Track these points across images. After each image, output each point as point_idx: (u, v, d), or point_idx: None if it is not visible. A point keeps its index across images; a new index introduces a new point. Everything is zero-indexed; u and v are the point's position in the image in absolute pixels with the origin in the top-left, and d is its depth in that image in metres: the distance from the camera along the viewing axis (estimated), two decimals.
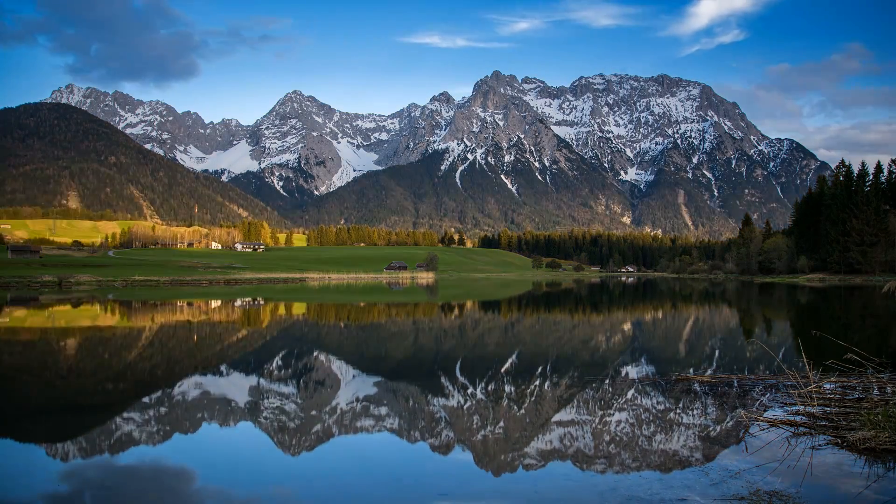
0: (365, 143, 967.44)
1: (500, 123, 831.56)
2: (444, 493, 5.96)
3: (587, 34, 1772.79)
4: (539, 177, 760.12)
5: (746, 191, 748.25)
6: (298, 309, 35.42)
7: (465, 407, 9.49)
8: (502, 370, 12.85)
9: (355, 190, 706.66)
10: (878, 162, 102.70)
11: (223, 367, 13.40)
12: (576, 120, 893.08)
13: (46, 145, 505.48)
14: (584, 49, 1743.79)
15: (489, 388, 10.88)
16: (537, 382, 11.38)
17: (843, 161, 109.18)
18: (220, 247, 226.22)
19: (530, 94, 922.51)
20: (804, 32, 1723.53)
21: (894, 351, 14.42)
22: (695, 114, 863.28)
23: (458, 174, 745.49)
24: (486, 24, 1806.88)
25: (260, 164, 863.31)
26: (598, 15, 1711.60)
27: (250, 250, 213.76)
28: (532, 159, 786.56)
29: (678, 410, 9.07)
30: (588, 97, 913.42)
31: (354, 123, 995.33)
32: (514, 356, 15.33)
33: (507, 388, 10.77)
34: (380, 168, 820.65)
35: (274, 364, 13.91)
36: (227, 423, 8.57)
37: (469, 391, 10.60)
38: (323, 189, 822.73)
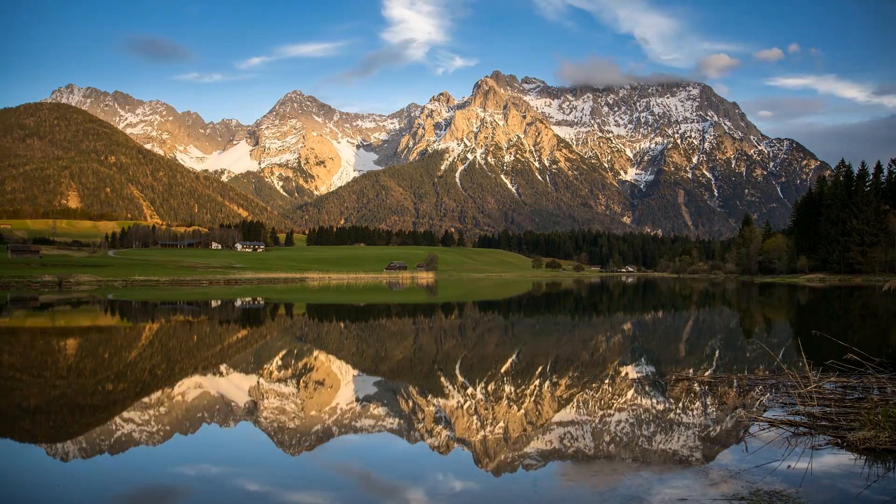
0: (365, 143, 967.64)
1: (500, 123, 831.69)
2: (443, 492, 5.96)
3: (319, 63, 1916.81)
4: (539, 177, 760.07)
5: (746, 191, 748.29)
6: (298, 309, 35.42)
7: (465, 407, 9.49)
8: (502, 370, 12.85)
9: (355, 190, 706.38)
10: (878, 162, 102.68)
11: (223, 367, 13.40)
12: (576, 120, 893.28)
13: (46, 145, 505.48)
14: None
15: (489, 388, 10.88)
16: (537, 382, 11.37)
17: (843, 161, 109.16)
18: (220, 247, 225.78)
19: (530, 93, 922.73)
20: (511, 52, 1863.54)
21: (894, 351, 14.42)
22: (695, 114, 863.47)
23: (457, 174, 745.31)
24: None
25: (260, 164, 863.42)
26: (312, 49, 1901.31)
27: (250, 250, 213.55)
28: (532, 159, 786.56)
29: (678, 410, 9.08)
30: (588, 97, 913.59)
31: (354, 123, 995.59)
32: (514, 356, 15.32)
33: (507, 388, 10.77)
34: (380, 168, 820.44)
35: (274, 364, 13.91)
36: (226, 423, 8.57)
37: (469, 391, 10.60)
38: (323, 189, 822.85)
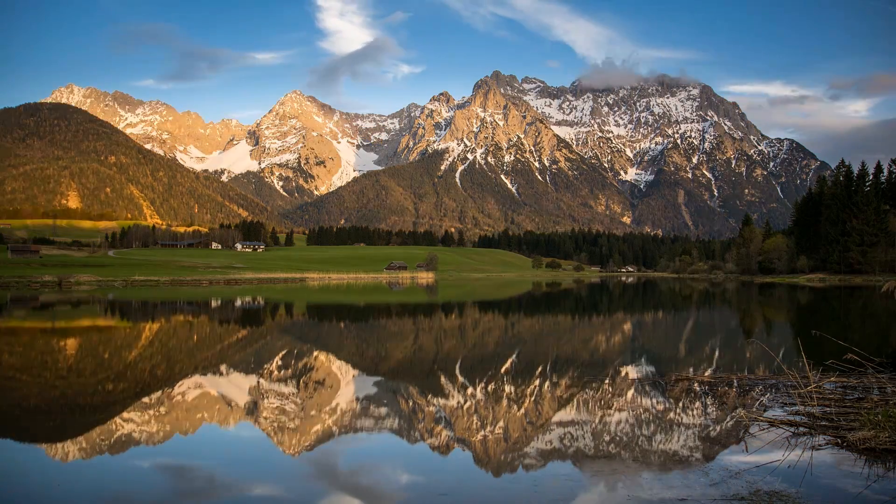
0: (365, 143, 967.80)
1: (500, 123, 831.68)
2: (443, 492, 5.96)
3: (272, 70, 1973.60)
4: (539, 177, 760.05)
5: (746, 191, 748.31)
6: (298, 309, 35.42)
7: (465, 407, 9.49)
8: (502, 370, 12.85)
9: (355, 190, 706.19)
10: (878, 162, 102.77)
11: (223, 367, 13.40)
12: (576, 120, 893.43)
13: (46, 145, 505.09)
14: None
15: (489, 388, 10.87)
16: (537, 382, 11.37)
17: (843, 161, 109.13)
18: (220, 247, 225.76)
19: (530, 93, 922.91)
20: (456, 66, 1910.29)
21: (894, 351, 14.42)
22: (695, 114, 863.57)
23: (457, 174, 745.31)
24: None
25: (260, 164, 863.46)
26: (262, 58, 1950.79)
27: (250, 250, 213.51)
28: (532, 159, 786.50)
29: (678, 410, 9.08)
30: (588, 97, 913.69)
31: (354, 123, 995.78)
32: (514, 356, 15.32)
33: (507, 388, 10.77)
34: (380, 168, 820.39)
35: (274, 364, 13.91)
36: (226, 423, 8.57)
37: (469, 391, 10.60)
38: (323, 189, 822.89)
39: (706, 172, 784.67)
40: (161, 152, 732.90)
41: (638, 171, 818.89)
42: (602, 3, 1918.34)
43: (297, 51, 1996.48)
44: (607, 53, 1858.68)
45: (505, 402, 9.79)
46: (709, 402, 9.45)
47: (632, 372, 12.54)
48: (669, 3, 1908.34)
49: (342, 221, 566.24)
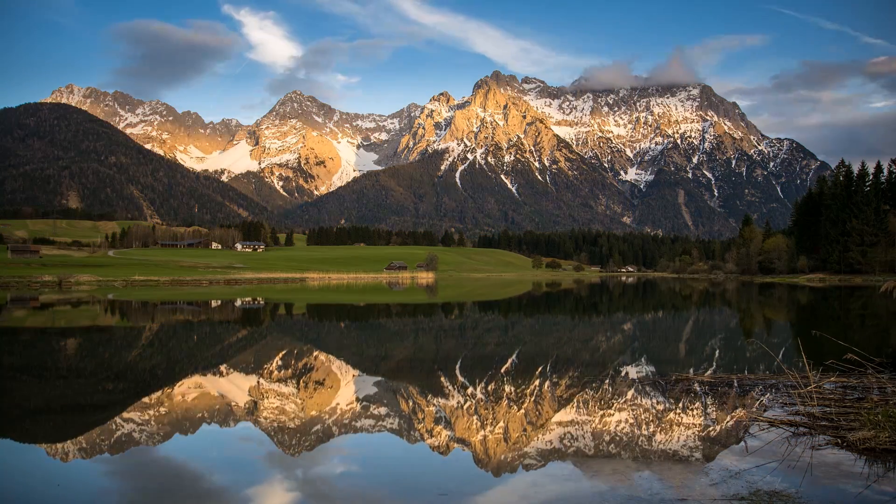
0: (365, 143, 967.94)
1: (500, 123, 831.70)
2: (444, 493, 5.95)
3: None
4: (539, 177, 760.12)
5: (746, 191, 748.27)
6: (298, 309, 35.41)
7: (465, 407, 9.49)
8: (502, 370, 12.85)
9: (355, 190, 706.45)
10: (878, 162, 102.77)
11: (223, 367, 13.40)
12: (576, 120, 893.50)
13: (46, 145, 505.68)
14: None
15: (489, 388, 10.87)
16: (537, 382, 11.37)
17: (842, 161, 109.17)
18: (220, 247, 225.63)
19: (530, 93, 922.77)
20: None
21: (894, 351, 14.42)
22: (695, 114, 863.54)
23: (457, 174, 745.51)
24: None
25: (260, 164, 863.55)
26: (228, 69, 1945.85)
27: (250, 250, 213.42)
28: (532, 159, 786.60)
29: (678, 410, 9.07)
30: (588, 97, 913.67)
31: (354, 123, 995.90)
32: (514, 356, 15.32)
33: (507, 388, 10.77)
34: (380, 168, 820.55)
35: (274, 364, 13.91)
36: (227, 423, 8.57)
37: (469, 391, 10.59)
38: (323, 189, 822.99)
39: (706, 172, 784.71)
40: (161, 152, 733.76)
41: (638, 171, 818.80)
42: (503, 14, 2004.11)
43: (225, 62, 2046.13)
44: (524, 61, 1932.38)
45: (505, 402, 9.79)
46: (709, 402, 9.45)
47: (632, 372, 12.54)
48: (578, 11, 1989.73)
49: (342, 221, 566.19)
